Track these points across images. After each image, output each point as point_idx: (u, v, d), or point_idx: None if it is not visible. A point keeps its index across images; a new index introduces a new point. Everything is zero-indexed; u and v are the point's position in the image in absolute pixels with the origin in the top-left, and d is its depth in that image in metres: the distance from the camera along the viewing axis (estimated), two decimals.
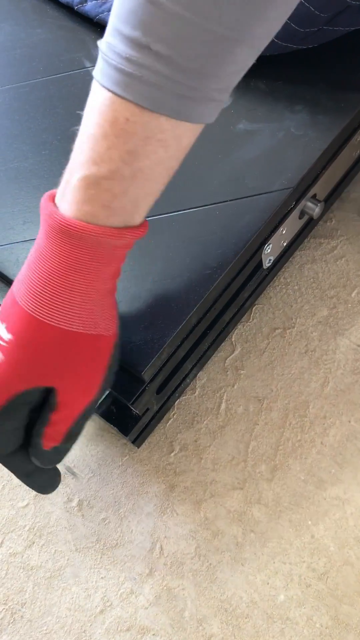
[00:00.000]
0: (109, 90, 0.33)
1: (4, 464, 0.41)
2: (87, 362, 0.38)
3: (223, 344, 0.56)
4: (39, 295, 0.36)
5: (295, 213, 0.52)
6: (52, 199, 0.37)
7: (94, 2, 0.59)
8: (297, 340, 0.56)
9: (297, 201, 0.51)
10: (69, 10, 0.62)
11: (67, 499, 0.52)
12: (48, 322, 0.36)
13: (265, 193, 0.48)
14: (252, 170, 0.49)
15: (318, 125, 0.51)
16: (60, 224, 0.35)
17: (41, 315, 0.36)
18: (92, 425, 0.54)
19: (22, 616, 0.48)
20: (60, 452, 0.41)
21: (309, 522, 0.49)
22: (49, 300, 0.36)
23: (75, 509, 0.51)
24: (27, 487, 0.52)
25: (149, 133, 0.34)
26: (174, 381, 0.50)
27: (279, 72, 0.54)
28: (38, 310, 0.36)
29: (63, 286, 0.36)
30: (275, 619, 0.46)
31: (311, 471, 0.50)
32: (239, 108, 0.53)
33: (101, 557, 0.49)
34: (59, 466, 0.43)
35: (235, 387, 0.55)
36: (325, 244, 0.60)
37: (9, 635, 0.47)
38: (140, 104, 0.33)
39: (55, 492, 0.52)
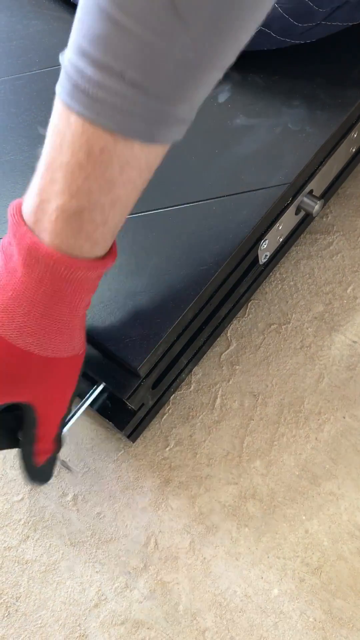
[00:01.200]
0: (81, 115, 0.32)
1: None
2: (62, 381, 0.40)
3: (218, 339, 0.56)
4: (19, 324, 0.36)
5: (292, 209, 0.51)
6: (20, 213, 0.36)
7: None
8: (292, 335, 0.56)
9: (294, 197, 0.51)
10: (65, 1, 0.61)
11: (62, 493, 0.52)
12: (29, 350, 0.37)
13: (262, 189, 0.48)
14: (249, 165, 0.49)
15: (315, 120, 0.51)
16: (46, 258, 0.34)
17: (22, 345, 0.37)
18: (88, 420, 0.54)
19: (16, 610, 0.48)
20: (53, 459, 0.44)
21: (303, 517, 0.49)
22: (31, 331, 0.36)
23: (70, 503, 0.51)
24: (22, 482, 0.52)
25: (123, 161, 0.33)
26: (169, 376, 0.50)
27: (277, 67, 0.54)
28: (20, 339, 0.36)
29: (46, 317, 0.36)
30: (269, 613, 0.46)
31: (306, 467, 0.51)
32: (236, 103, 0.53)
33: (96, 551, 0.49)
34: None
35: (231, 382, 0.55)
36: (321, 239, 0.60)
37: (4, 629, 0.47)
38: (115, 130, 0.32)
39: (50, 486, 0.52)
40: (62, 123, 0.33)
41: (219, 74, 0.33)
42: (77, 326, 0.39)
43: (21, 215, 0.36)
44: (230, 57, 0.32)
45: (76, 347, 0.39)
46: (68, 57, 0.32)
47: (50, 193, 0.34)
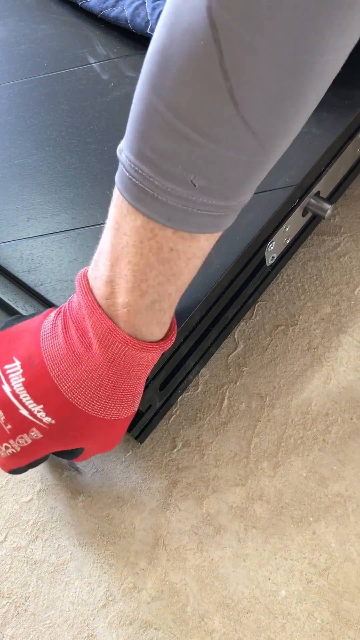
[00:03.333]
0: (147, 217, 0.33)
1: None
2: (116, 434, 0.42)
3: (226, 340, 0.57)
4: (87, 391, 0.38)
5: (299, 210, 0.52)
6: (89, 289, 0.37)
7: None
8: (299, 337, 0.56)
9: (301, 198, 0.51)
10: (73, 6, 0.61)
11: (71, 494, 0.52)
12: (91, 413, 0.39)
13: (268, 190, 0.48)
14: None
15: (322, 122, 0.51)
16: (121, 342, 0.36)
17: (86, 407, 0.39)
18: None
19: (25, 610, 0.48)
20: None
21: (311, 519, 0.49)
22: (96, 395, 0.38)
23: (79, 504, 0.52)
24: (31, 482, 0.52)
25: (190, 255, 0.35)
26: (176, 378, 0.50)
27: None
28: (84, 402, 0.38)
29: (115, 389, 0.38)
30: (277, 615, 0.46)
31: (313, 468, 0.51)
32: None
33: (104, 552, 0.50)
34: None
35: (238, 383, 0.55)
36: (328, 241, 0.60)
37: (13, 629, 0.48)
38: (183, 229, 0.33)
39: (58, 487, 0.52)
40: (127, 222, 0.34)
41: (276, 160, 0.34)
42: (139, 393, 0.41)
43: (92, 293, 0.37)
44: (287, 145, 0.33)
45: (131, 408, 0.41)
46: (130, 159, 0.32)
47: (121, 287, 0.35)
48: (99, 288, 0.36)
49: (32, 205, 0.50)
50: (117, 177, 0.34)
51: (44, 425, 0.39)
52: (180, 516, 0.50)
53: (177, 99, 0.29)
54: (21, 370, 0.38)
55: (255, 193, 0.48)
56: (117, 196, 0.34)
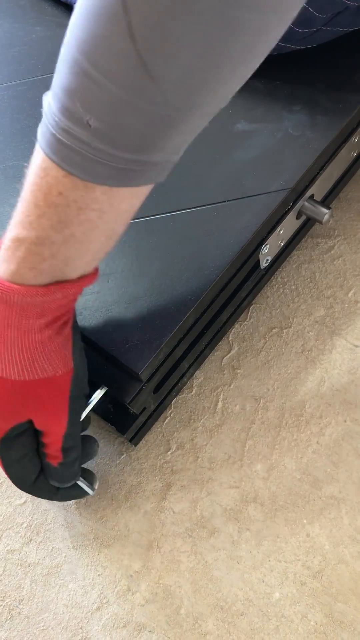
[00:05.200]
0: (47, 156, 0.33)
1: (32, 492, 0.45)
2: (47, 400, 0.40)
3: (220, 343, 0.57)
4: None
5: (293, 213, 0.52)
6: None
7: None
8: (293, 339, 0.56)
9: (295, 201, 0.51)
10: (68, 8, 0.62)
11: None
12: None
13: (263, 193, 0.48)
14: (250, 170, 0.50)
15: (316, 125, 0.51)
16: None
17: None
18: (90, 424, 0.55)
19: (19, 612, 0.48)
20: (68, 465, 0.44)
21: (304, 521, 0.49)
22: None
23: (73, 506, 0.51)
24: None
25: (82, 205, 0.34)
26: (171, 380, 0.50)
27: (278, 73, 0.54)
28: None
29: (1, 342, 0.38)
30: (271, 617, 0.46)
31: (307, 470, 0.51)
32: (237, 108, 0.53)
33: (98, 554, 0.50)
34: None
35: (232, 386, 0.55)
36: (322, 243, 0.61)
37: (7, 632, 0.48)
38: (76, 174, 0.32)
39: None
40: (33, 162, 0.34)
41: (200, 122, 0.33)
42: (38, 350, 0.39)
43: None
44: (212, 106, 0.32)
45: (48, 368, 0.39)
46: (47, 100, 0.33)
47: (10, 225, 0.36)
48: None
49: None
50: (41, 123, 0.34)
51: None
52: (175, 518, 0.50)
53: (82, 33, 0.29)
54: None
55: (249, 196, 0.49)
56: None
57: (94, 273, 0.39)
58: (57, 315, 0.39)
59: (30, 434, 0.43)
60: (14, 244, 0.36)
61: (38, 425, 0.42)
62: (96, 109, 0.30)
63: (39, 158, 0.34)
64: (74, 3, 0.60)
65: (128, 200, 0.35)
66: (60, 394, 0.41)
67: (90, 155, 0.32)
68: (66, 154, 0.32)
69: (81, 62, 0.29)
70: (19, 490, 0.52)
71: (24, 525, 0.51)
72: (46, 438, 0.42)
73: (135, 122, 0.30)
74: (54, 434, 0.42)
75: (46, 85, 0.56)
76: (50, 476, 0.44)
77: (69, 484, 0.46)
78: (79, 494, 0.47)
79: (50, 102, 0.32)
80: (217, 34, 0.27)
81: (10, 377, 0.39)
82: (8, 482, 0.53)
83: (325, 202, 0.57)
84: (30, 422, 0.42)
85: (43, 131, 0.33)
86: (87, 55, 0.29)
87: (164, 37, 0.27)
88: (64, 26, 0.60)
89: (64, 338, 0.40)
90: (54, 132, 0.32)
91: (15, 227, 0.35)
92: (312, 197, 0.53)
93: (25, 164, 0.52)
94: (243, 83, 0.32)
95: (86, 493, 0.47)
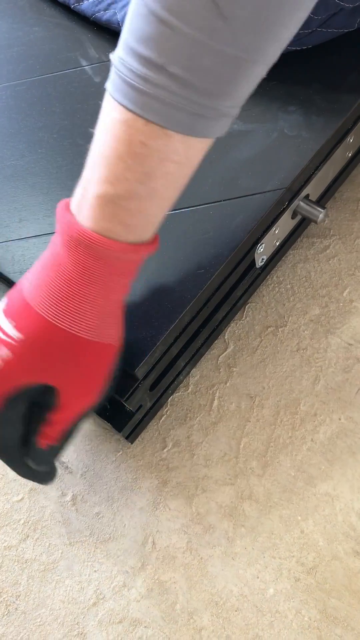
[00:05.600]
0: (124, 106, 0.34)
1: (4, 458, 0.42)
2: (91, 368, 0.40)
3: (216, 341, 0.57)
4: (55, 300, 0.38)
5: (288, 213, 0.52)
6: (68, 208, 0.38)
7: (90, 1, 0.59)
8: (289, 338, 0.57)
9: (290, 201, 0.51)
10: (66, 8, 0.62)
11: (62, 493, 0.52)
12: (61, 326, 0.38)
13: (258, 193, 0.49)
14: (246, 170, 0.50)
15: (311, 126, 0.51)
16: (81, 236, 0.36)
17: (55, 319, 0.38)
18: (87, 421, 0.55)
19: (16, 608, 0.49)
20: (55, 451, 0.43)
21: (299, 518, 0.50)
22: (64, 306, 0.38)
23: (69, 503, 0.52)
24: (22, 482, 0.53)
25: (163, 155, 0.34)
26: (167, 378, 0.51)
27: (273, 73, 0.54)
28: (52, 314, 0.38)
29: (79, 294, 0.38)
30: (265, 612, 0.47)
31: (301, 467, 0.51)
32: None
33: (94, 550, 0.50)
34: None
35: (228, 384, 0.55)
36: (317, 243, 0.61)
37: (4, 627, 0.48)
38: (156, 121, 0.33)
39: (49, 486, 0.52)
40: (108, 117, 0.35)
41: (261, 70, 0.34)
42: (108, 312, 0.39)
43: (67, 207, 0.38)
44: (272, 53, 0.33)
45: (106, 335, 0.39)
46: (118, 55, 0.34)
47: (91, 181, 0.36)
48: (75, 195, 0.37)
49: (24, 206, 0.51)
50: (108, 80, 0.35)
51: (13, 342, 0.38)
52: (170, 515, 0.51)
53: None
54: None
55: (245, 196, 0.49)
56: (105, 97, 0.35)
57: (157, 239, 0.40)
58: (129, 281, 0.39)
59: (28, 404, 0.40)
60: (101, 201, 0.36)
61: (64, 393, 0.39)
62: (173, 53, 0.32)
63: (115, 113, 0.34)
64: (72, 4, 0.60)
65: (199, 152, 0.36)
66: (104, 364, 0.40)
67: (168, 100, 0.33)
68: (145, 101, 0.33)
69: (155, 9, 0.31)
70: (16, 486, 0.53)
71: (21, 521, 0.52)
72: (57, 414, 0.40)
73: (208, 62, 0.32)
74: (71, 410, 0.41)
75: (45, 86, 0.57)
76: (31, 455, 0.42)
77: (44, 469, 0.44)
78: (44, 478, 0.44)
79: (122, 55, 0.33)
80: None
81: (70, 329, 0.38)
82: (6, 478, 0.53)
83: (321, 202, 0.58)
84: (46, 391, 0.40)
85: (117, 85, 0.34)
86: (161, 3, 0.31)
87: None
88: (62, 27, 0.61)
89: (122, 309, 0.40)
90: (132, 81, 0.33)
91: (97, 184, 0.35)
92: (307, 196, 0.53)
93: (23, 163, 0.53)
94: (296, 31, 0.34)
95: (47, 480, 0.45)
